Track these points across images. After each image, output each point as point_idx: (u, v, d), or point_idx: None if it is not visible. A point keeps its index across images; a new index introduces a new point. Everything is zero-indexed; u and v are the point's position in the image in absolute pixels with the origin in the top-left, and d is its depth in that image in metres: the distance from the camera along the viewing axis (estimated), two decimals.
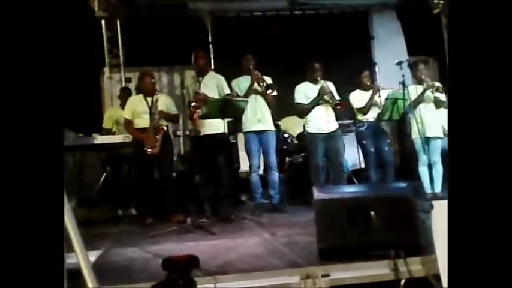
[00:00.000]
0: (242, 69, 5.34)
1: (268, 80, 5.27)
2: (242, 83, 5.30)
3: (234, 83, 5.32)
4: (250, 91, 5.20)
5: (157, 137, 4.87)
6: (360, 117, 5.70)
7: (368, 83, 5.68)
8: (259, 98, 5.25)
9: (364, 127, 5.67)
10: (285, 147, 6.21)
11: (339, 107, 5.28)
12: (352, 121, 6.86)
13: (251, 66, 5.22)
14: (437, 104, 5.22)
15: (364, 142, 5.69)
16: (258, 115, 5.23)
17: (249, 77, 5.25)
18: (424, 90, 5.12)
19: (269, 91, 5.17)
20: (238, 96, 5.17)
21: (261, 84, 5.18)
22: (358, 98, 5.65)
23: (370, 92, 5.59)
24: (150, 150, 4.81)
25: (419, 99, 5.12)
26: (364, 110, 5.59)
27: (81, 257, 2.20)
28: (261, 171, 5.47)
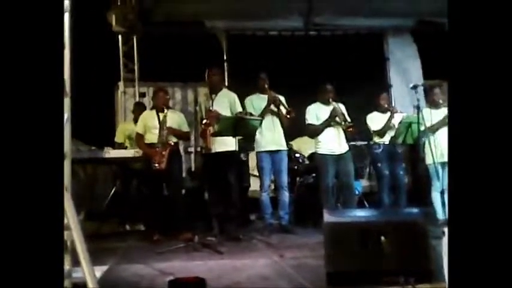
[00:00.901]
0: (256, 88, 5.35)
1: (282, 99, 5.28)
2: (255, 101, 5.32)
3: (247, 100, 5.34)
4: (266, 111, 5.21)
5: (164, 153, 4.87)
6: (376, 139, 5.67)
7: (386, 106, 5.66)
8: (275, 119, 5.26)
9: (380, 149, 5.64)
10: (296, 167, 6.18)
11: (350, 129, 5.25)
12: (365, 143, 6.84)
13: (266, 85, 5.23)
14: None
15: (379, 165, 5.66)
16: (275, 136, 5.25)
17: (262, 96, 5.27)
18: (446, 116, 5.05)
19: (288, 115, 5.18)
20: (251, 114, 5.18)
21: (278, 105, 5.18)
22: (375, 120, 5.62)
23: (388, 114, 5.56)
24: (156, 165, 4.81)
25: (440, 124, 5.04)
26: (381, 133, 5.56)
27: (87, 271, 2.19)
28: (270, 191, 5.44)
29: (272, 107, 5.24)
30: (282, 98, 5.32)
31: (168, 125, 4.97)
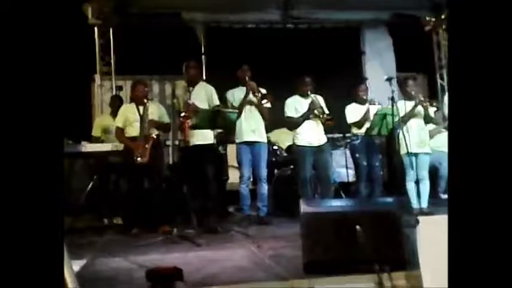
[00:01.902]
0: (238, 80, 5.36)
1: (263, 91, 5.30)
2: (237, 93, 5.32)
3: (228, 94, 5.35)
4: (245, 101, 5.22)
5: (147, 146, 4.86)
6: (354, 130, 5.75)
7: (364, 97, 5.73)
8: (254, 109, 5.28)
9: (358, 141, 5.72)
10: (274, 159, 6.22)
11: (328, 121, 5.31)
12: (342, 135, 6.92)
13: (247, 77, 5.25)
14: (427, 119, 5.27)
15: (357, 155, 5.75)
16: (252, 126, 5.26)
17: (244, 88, 5.27)
18: (416, 106, 5.16)
19: (264, 101, 5.20)
20: (233, 107, 5.19)
21: (256, 94, 5.20)
22: (354, 111, 5.69)
23: (366, 106, 5.64)
24: (139, 159, 4.79)
25: (410, 115, 5.16)
26: (360, 124, 5.63)
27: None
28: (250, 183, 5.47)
29: (251, 96, 5.24)
30: (263, 90, 5.33)
31: (149, 117, 4.95)
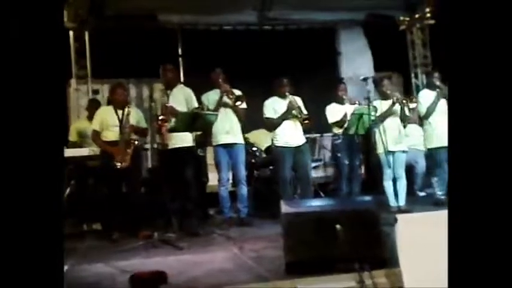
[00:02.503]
0: (211, 83, 5.36)
1: (238, 92, 5.30)
2: (211, 96, 5.32)
3: (203, 97, 5.34)
4: (219, 104, 5.22)
5: (128, 151, 4.81)
6: (335, 130, 5.80)
7: (344, 97, 5.78)
8: (229, 111, 5.28)
9: (339, 140, 5.78)
10: (253, 160, 6.24)
11: (306, 121, 5.35)
12: (319, 135, 6.99)
13: (220, 80, 5.25)
14: (403, 118, 5.36)
15: (339, 155, 5.80)
16: (226, 127, 5.25)
17: (218, 91, 5.28)
18: (393, 104, 5.24)
19: (238, 103, 5.21)
20: (208, 109, 5.19)
21: (231, 97, 5.21)
22: (334, 111, 5.74)
23: (346, 105, 5.69)
24: (119, 164, 4.74)
25: (387, 114, 5.24)
26: (340, 124, 5.67)
27: None
28: (229, 185, 5.48)
29: (225, 99, 5.25)
30: (237, 92, 5.34)
31: (130, 122, 4.91)
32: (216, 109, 5.19)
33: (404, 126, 5.43)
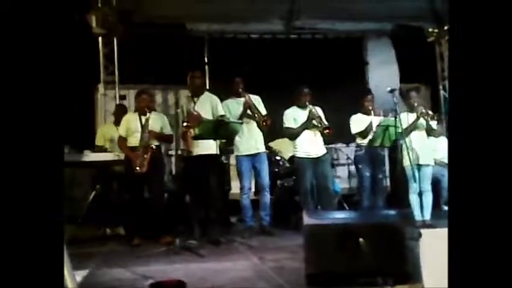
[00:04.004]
0: (231, 92, 5.38)
1: (258, 99, 5.33)
2: (230, 105, 5.33)
3: (223, 104, 5.35)
4: (243, 116, 5.23)
5: (145, 156, 4.85)
6: (358, 141, 5.72)
7: (370, 108, 5.71)
8: (252, 124, 5.29)
9: (362, 151, 5.69)
10: (276, 170, 6.21)
11: (327, 131, 5.31)
12: (345, 145, 6.92)
13: (240, 90, 5.27)
14: (429, 132, 5.27)
15: (360, 166, 5.70)
16: (251, 142, 5.28)
17: (236, 99, 5.30)
18: (418, 118, 5.16)
19: (264, 122, 5.24)
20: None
21: (253, 111, 5.22)
22: (358, 121, 5.68)
23: (371, 116, 5.62)
24: (138, 169, 4.79)
25: (412, 127, 5.16)
26: (364, 135, 5.60)
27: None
28: (251, 194, 5.46)
29: (248, 111, 5.26)
30: (258, 98, 5.37)
31: (150, 128, 4.94)
32: (240, 119, 5.20)
33: (429, 138, 5.33)
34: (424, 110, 5.22)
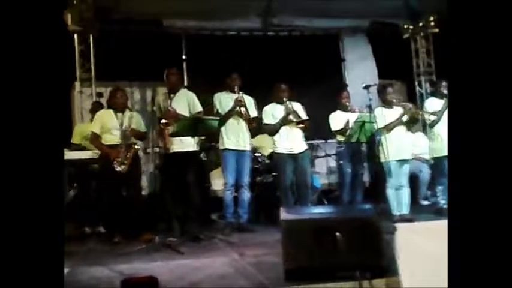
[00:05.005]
0: (226, 87, 5.40)
1: (254, 114, 5.38)
2: (222, 98, 5.36)
3: (215, 97, 5.38)
4: (232, 112, 5.25)
5: (129, 154, 4.83)
6: (339, 138, 5.80)
7: (347, 104, 5.78)
8: (241, 122, 5.31)
9: (343, 148, 5.77)
10: (256, 166, 6.24)
11: (301, 125, 5.36)
12: (323, 141, 6.98)
13: (236, 87, 5.28)
14: (410, 127, 5.36)
15: (341, 162, 5.79)
16: (239, 138, 5.31)
17: (230, 94, 5.32)
18: (404, 114, 5.22)
19: (250, 124, 5.31)
20: (217, 113, 5.23)
21: (243, 113, 5.25)
22: (337, 119, 5.74)
23: (348, 113, 5.69)
24: (118, 168, 4.76)
25: (396, 122, 5.21)
26: (343, 132, 5.67)
27: None
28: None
29: (237, 109, 5.27)
30: (251, 100, 5.42)
31: (132, 126, 4.92)
32: (228, 115, 5.22)
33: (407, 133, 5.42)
34: (411, 105, 5.30)
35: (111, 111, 5.07)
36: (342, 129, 5.68)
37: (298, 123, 5.36)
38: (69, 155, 5.43)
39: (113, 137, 4.94)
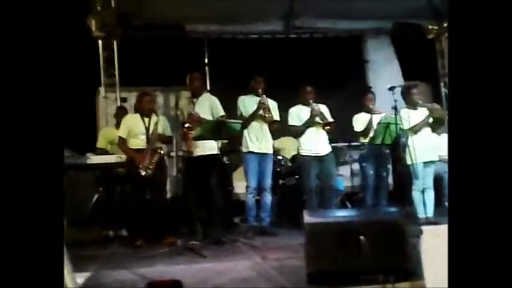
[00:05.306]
0: (250, 90, 5.41)
1: (275, 104, 5.38)
2: (246, 101, 5.37)
3: (240, 100, 5.39)
4: (255, 115, 5.25)
5: (154, 159, 4.85)
6: (362, 139, 5.74)
7: (371, 106, 5.73)
8: (264, 125, 5.31)
9: (365, 150, 5.71)
10: (278, 169, 6.21)
11: (327, 127, 5.32)
12: (347, 144, 6.92)
13: (260, 90, 5.28)
14: (435, 128, 5.27)
15: (364, 165, 5.73)
16: (262, 142, 5.31)
17: (254, 97, 5.34)
18: (430, 115, 5.14)
19: (275, 125, 5.32)
20: (241, 116, 5.24)
21: (267, 115, 5.25)
22: (360, 120, 5.69)
23: (372, 114, 5.63)
24: (143, 172, 4.79)
25: (422, 124, 5.14)
26: (365, 133, 5.62)
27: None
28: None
29: (261, 112, 5.27)
30: (275, 104, 5.41)
31: (158, 131, 4.95)
32: (251, 119, 5.23)
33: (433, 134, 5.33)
34: (437, 107, 5.22)
35: (138, 116, 5.09)
36: (364, 130, 5.62)
37: (324, 125, 5.33)
38: (94, 159, 5.50)
39: (139, 142, 4.97)
